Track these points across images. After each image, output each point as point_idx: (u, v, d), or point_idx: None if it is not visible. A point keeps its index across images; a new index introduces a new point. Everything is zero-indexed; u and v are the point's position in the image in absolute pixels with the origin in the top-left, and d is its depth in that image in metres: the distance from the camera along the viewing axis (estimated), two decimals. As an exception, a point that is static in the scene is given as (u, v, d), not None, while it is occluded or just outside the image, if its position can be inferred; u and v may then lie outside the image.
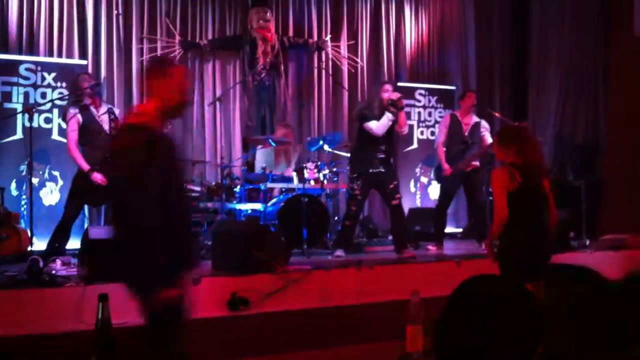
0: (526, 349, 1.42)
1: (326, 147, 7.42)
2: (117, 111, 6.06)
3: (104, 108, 5.88)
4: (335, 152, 7.77)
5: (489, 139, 7.13)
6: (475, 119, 7.33)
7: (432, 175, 8.45)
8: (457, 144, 7.20)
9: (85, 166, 5.56)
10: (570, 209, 7.21)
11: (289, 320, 4.83)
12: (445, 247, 7.22)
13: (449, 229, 8.15)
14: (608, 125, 8.81)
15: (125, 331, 3.88)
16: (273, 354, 4.58)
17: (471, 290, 1.51)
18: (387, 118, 6.34)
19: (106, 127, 5.80)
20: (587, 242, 7.07)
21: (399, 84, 9.51)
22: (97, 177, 5.55)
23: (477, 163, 7.20)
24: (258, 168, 7.87)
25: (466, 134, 7.22)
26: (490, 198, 8.50)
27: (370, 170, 6.42)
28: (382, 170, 6.46)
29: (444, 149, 7.26)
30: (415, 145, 9.45)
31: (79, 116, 5.71)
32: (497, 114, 8.18)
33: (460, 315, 1.49)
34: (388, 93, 6.45)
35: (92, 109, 5.78)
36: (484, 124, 7.35)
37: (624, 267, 6.29)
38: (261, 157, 7.97)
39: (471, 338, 1.42)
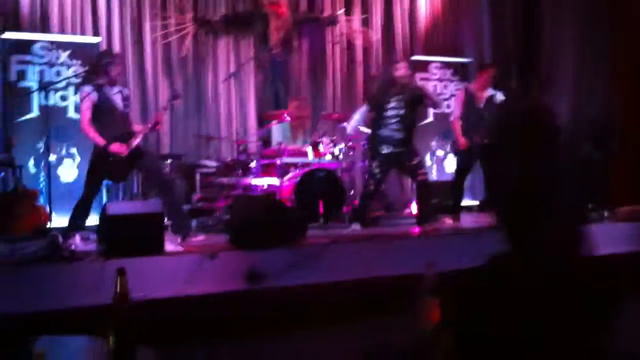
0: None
1: (362, 128, 7.39)
2: (127, 91, 6.02)
3: (116, 88, 5.86)
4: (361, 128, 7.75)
5: None
6: (490, 91, 7.27)
7: (448, 149, 8.40)
8: (472, 117, 7.15)
9: (101, 141, 5.55)
10: (587, 182, 7.15)
11: (307, 294, 4.86)
12: (462, 220, 7.21)
13: (465, 202, 8.12)
14: (620, 100, 8.71)
15: (143, 305, 3.94)
16: (290, 328, 4.62)
17: (495, 266, 1.50)
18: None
19: (119, 106, 5.78)
20: (606, 214, 7.03)
21: (413, 57, 9.45)
22: (116, 146, 5.53)
23: None
24: (274, 143, 7.87)
25: (482, 106, 7.16)
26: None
27: (389, 151, 6.44)
28: (401, 150, 6.46)
29: (460, 123, 7.22)
30: (431, 119, 9.38)
31: (94, 94, 5.68)
32: (512, 88, 8.10)
33: (482, 291, 1.48)
34: (402, 71, 6.45)
35: (107, 87, 5.75)
36: (500, 96, 7.29)
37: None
38: (277, 132, 7.96)
39: (493, 317, 1.41)
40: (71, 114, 7.39)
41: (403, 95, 6.51)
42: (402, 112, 6.48)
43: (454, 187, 7.33)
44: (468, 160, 7.22)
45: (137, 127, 5.94)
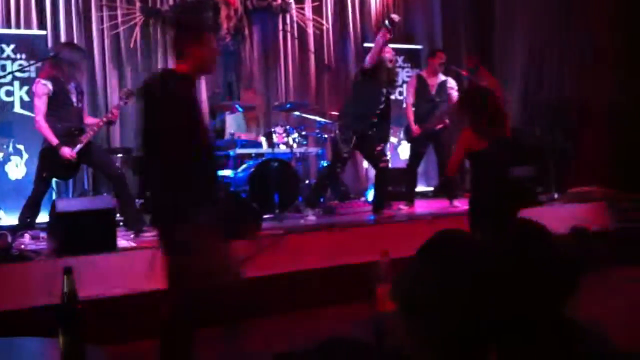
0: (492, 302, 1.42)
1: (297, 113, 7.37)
2: (82, 87, 5.92)
3: (73, 83, 5.74)
4: (304, 115, 7.73)
5: (455, 97, 7.17)
6: (442, 77, 7.35)
7: (401, 136, 8.46)
8: (424, 104, 7.22)
9: (55, 140, 5.45)
10: (538, 165, 7.29)
11: (263, 286, 4.84)
12: (416, 206, 7.27)
13: (419, 188, 8.19)
14: (570, 82, 8.86)
15: (92, 304, 3.88)
16: (248, 319, 4.60)
17: (436, 243, 1.49)
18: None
19: (74, 99, 5.68)
20: (555, 196, 7.17)
21: (365, 44, 9.45)
22: (66, 151, 5.44)
23: (446, 122, 7.23)
24: (227, 134, 7.81)
25: (433, 93, 7.24)
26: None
27: (368, 132, 6.40)
28: (378, 130, 6.46)
29: (412, 109, 7.27)
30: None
31: (50, 86, 5.55)
32: (463, 72, 8.19)
33: (421, 271, 1.46)
34: (389, 54, 6.48)
35: (63, 80, 5.64)
36: (451, 82, 7.38)
37: (591, 218, 6.46)
38: (230, 123, 7.90)
39: (432, 294, 1.41)
40: (17, 109, 7.20)
41: (389, 79, 6.53)
42: (387, 95, 6.52)
43: (408, 174, 7.40)
44: (421, 146, 7.29)
45: (89, 119, 5.85)
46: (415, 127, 7.12)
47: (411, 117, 7.22)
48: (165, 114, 3.17)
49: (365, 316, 4.04)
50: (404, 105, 7.54)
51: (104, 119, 5.79)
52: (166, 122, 3.16)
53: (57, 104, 5.55)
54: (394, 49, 9.40)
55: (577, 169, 8.16)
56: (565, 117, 8.91)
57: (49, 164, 5.55)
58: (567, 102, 8.94)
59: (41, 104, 5.52)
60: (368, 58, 6.44)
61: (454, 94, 7.25)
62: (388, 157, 6.69)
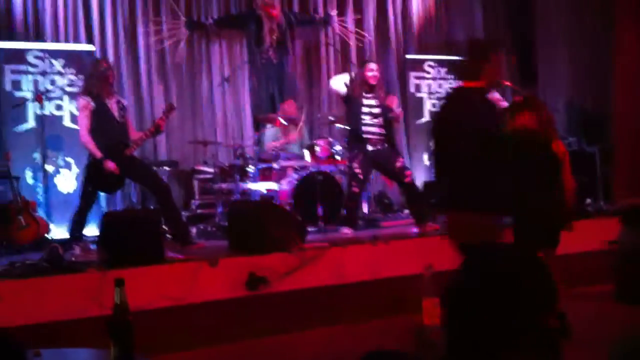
0: (537, 318, 1.41)
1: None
2: (125, 102, 6.02)
3: (114, 97, 5.85)
4: (347, 128, 7.73)
5: (501, 102, 7.12)
6: None
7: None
8: None
9: (99, 154, 5.55)
10: (585, 175, 7.17)
11: (308, 298, 4.86)
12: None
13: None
14: (615, 93, 8.71)
15: (145, 314, 3.94)
16: (292, 332, 4.62)
17: (479, 260, 1.49)
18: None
19: (116, 115, 5.78)
20: (605, 208, 7.03)
21: (408, 56, 9.45)
22: (110, 165, 5.54)
23: None
24: (271, 147, 7.85)
25: None
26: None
27: (369, 149, 6.40)
28: (381, 148, 6.44)
29: None
30: (427, 118, 9.38)
31: (91, 103, 5.67)
32: (507, 83, 8.09)
33: (468, 284, 1.47)
34: (372, 72, 6.44)
35: (104, 96, 5.74)
36: (495, 94, 7.30)
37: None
38: (269, 136, 7.95)
39: (480, 308, 1.41)
40: (67, 123, 7.38)
41: (375, 93, 6.51)
42: (375, 109, 6.47)
43: None
44: None
45: (135, 134, 5.94)
46: None
47: None
48: (487, 122, 3.85)
49: (409, 329, 4.03)
50: None
51: (147, 133, 5.88)
52: (487, 128, 3.81)
53: (99, 119, 5.65)
54: (436, 60, 9.46)
55: (623, 181, 8.03)
56: (608, 127, 8.78)
57: (94, 178, 5.65)
58: (610, 111, 8.81)
59: (83, 118, 5.64)
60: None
61: (502, 104, 7.20)
62: (410, 171, 6.62)
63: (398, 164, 6.45)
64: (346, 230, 6.35)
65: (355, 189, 6.42)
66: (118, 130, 5.74)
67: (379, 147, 6.43)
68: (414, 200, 6.54)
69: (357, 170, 6.38)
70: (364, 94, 6.49)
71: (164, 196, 5.74)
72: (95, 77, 5.72)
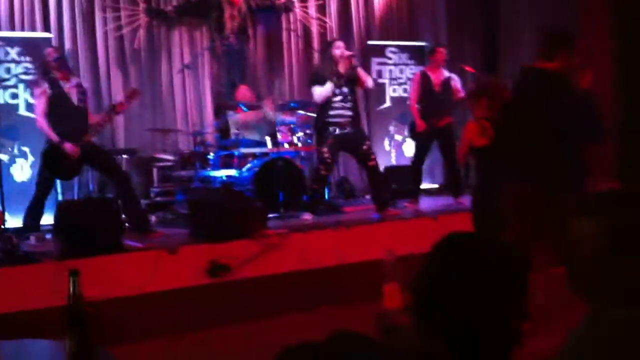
0: (508, 304, 1.42)
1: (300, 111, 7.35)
2: (85, 85, 5.94)
3: (72, 81, 5.77)
4: (309, 114, 7.71)
5: (461, 93, 7.18)
6: (445, 74, 7.35)
7: (406, 133, 8.44)
8: (429, 100, 7.22)
9: (55, 137, 5.48)
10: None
11: (270, 285, 4.85)
12: (421, 204, 7.26)
13: (424, 185, 8.18)
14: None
15: (102, 304, 3.88)
16: (255, 319, 4.60)
17: (450, 246, 1.50)
18: (330, 87, 6.27)
19: (74, 99, 5.71)
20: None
21: (369, 42, 9.45)
22: (69, 146, 5.46)
23: (450, 118, 7.23)
24: (232, 134, 7.79)
25: (437, 89, 7.23)
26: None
27: (337, 132, 6.35)
28: (350, 130, 6.39)
29: (417, 106, 7.27)
30: (388, 104, 9.41)
31: (48, 89, 5.60)
32: (468, 68, 8.18)
33: (438, 271, 1.47)
34: (340, 50, 6.38)
35: (61, 82, 5.67)
36: (455, 77, 7.39)
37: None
38: (234, 123, 7.88)
39: (450, 294, 1.41)
40: (22, 111, 7.21)
41: (343, 73, 6.39)
42: (345, 90, 6.39)
43: (413, 171, 7.39)
44: (426, 142, 7.28)
45: (94, 117, 5.86)
46: (420, 123, 7.12)
47: (416, 113, 7.23)
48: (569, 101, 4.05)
49: (372, 314, 4.03)
50: (408, 102, 7.52)
51: (106, 117, 5.81)
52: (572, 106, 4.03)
53: (57, 105, 5.59)
54: (398, 45, 9.48)
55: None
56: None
57: (50, 164, 5.56)
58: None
59: (40, 103, 5.57)
60: None
61: (458, 89, 7.27)
62: (375, 155, 6.57)
63: (364, 147, 6.45)
64: (307, 216, 6.33)
65: (323, 172, 6.41)
66: (77, 115, 5.67)
67: (347, 129, 6.38)
68: (376, 185, 6.55)
69: (326, 155, 6.35)
70: (331, 76, 6.38)
71: (123, 184, 5.68)
72: (49, 64, 5.65)
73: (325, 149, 6.36)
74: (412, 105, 7.36)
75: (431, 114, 7.12)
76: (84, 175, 6.69)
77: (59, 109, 5.60)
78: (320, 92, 6.32)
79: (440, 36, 9.92)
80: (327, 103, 6.38)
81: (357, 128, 6.51)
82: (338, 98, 6.36)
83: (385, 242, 4.66)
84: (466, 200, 6.69)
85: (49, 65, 5.66)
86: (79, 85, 5.81)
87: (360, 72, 6.50)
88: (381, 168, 7.34)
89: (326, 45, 7.13)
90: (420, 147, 7.35)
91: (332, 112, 6.37)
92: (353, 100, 6.47)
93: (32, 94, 5.91)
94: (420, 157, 7.35)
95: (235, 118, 7.69)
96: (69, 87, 5.71)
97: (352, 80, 6.44)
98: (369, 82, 6.62)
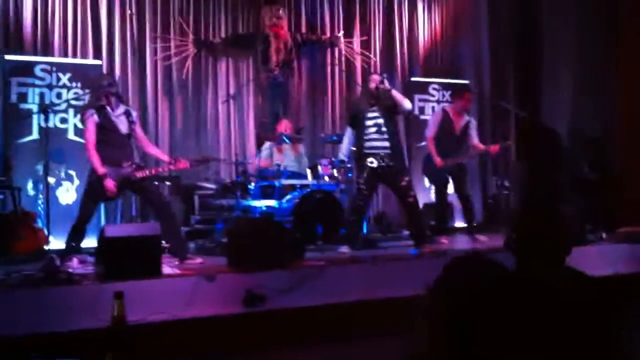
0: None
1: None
2: (134, 113, 6.02)
3: (121, 109, 5.84)
4: (351, 148, 7.75)
5: (475, 138, 7.33)
6: (466, 118, 7.36)
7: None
8: (447, 142, 7.22)
9: (101, 170, 5.54)
10: (586, 202, 7.17)
11: (305, 316, 4.84)
12: (458, 241, 7.23)
13: (458, 224, 8.17)
14: (619, 118, 8.73)
15: (140, 328, 3.94)
16: (289, 350, 4.60)
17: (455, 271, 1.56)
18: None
19: (122, 128, 5.77)
20: (604, 235, 7.01)
21: (412, 79, 9.51)
22: (110, 184, 5.53)
23: (463, 159, 7.41)
24: (273, 165, 7.86)
25: (457, 132, 7.26)
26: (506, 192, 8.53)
27: (374, 164, 6.30)
28: (388, 163, 6.32)
29: (434, 142, 7.27)
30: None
31: (95, 117, 5.68)
32: (510, 108, 8.17)
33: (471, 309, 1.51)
34: (375, 83, 6.39)
35: (108, 109, 5.75)
36: (473, 122, 7.43)
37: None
38: (267, 154, 7.95)
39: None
40: (71, 136, 7.42)
41: (379, 105, 6.36)
42: (380, 120, 6.32)
43: (439, 207, 7.37)
44: (443, 178, 7.27)
45: (152, 149, 6.09)
46: (438, 160, 7.10)
47: (433, 149, 7.21)
48: None
49: (407, 351, 3.99)
50: (426, 136, 7.46)
51: (163, 169, 5.94)
52: None
53: (104, 133, 5.66)
54: (440, 83, 9.51)
55: (625, 208, 8.00)
56: (610, 153, 8.77)
57: (95, 188, 5.63)
58: (613, 137, 8.81)
59: (90, 134, 5.64)
60: None
61: (474, 134, 7.31)
62: (414, 191, 6.51)
63: (404, 183, 6.36)
64: (344, 249, 6.31)
65: (360, 202, 6.37)
66: (124, 143, 5.75)
67: (385, 162, 6.29)
68: (414, 221, 6.52)
69: (363, 186, 6.33)
70: (366, 108, 6.41)
71: (164, 211, 5.75)
72: (99, 91, 5.74)
73: (362, 180, 6.35)
74: (428, 140, 7.33)
75: (447, 156, 7.13)
76: (127, 200, 6.82)
77: (106, 137, 5.68)
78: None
79: (483, 74, 9.92)
80: (362, 133, 6.38)
81: (397, 161, 6.38)
82: (372, 130, 6.32)
83: (421, 278, 4.63)
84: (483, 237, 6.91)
85: (100, 92, 5.75)
86: (127, 114, 5.87)
87: (395, 94, 6.43)
88: (420, 204, 7.32)
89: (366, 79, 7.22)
90: (438, 182, 7.34)
91: (367, 144, 6.34)
92: (390, 132, 6.34)
93: (81, 120, 6.03)
94: (442, 192, 7.32)
95: (276, 149, 7.78)
96: (117, 115, 5.78)
97: (388, 108, 6.36)
98: (405, 104, 6.41)
